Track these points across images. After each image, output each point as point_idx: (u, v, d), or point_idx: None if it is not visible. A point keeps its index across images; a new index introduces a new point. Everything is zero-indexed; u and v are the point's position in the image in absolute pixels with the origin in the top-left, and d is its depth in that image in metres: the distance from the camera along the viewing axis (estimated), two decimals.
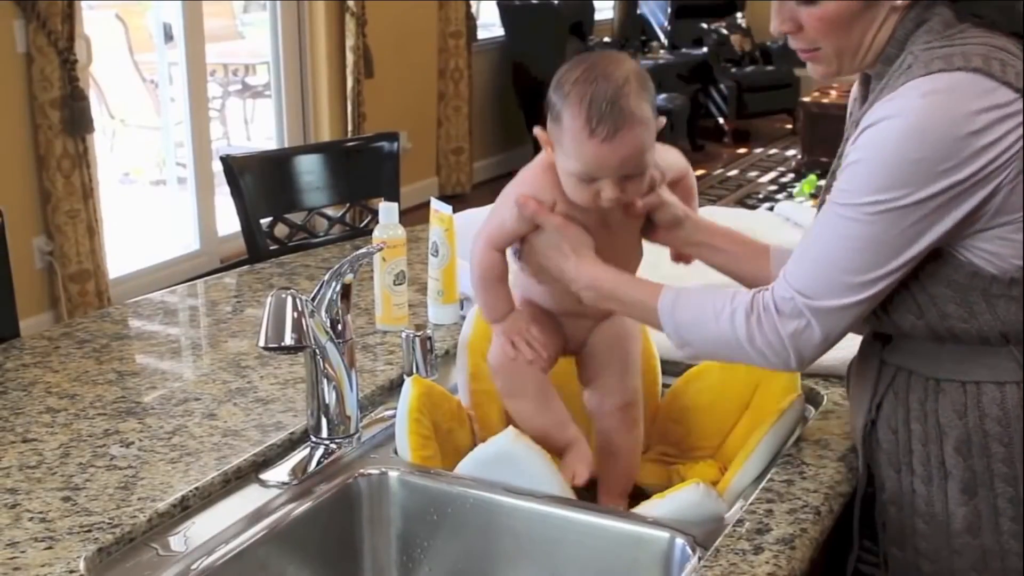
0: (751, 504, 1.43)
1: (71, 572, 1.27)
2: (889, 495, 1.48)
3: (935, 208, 1.30)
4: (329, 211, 2.88)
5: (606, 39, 8.28)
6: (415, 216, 3.56)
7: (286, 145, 5.99)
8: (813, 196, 6.74)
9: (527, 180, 1.54)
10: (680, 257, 1.64)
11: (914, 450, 1.44)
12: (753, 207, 6.62)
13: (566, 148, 1.46)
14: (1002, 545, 1.41)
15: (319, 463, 1.56)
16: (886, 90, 1.36)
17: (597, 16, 8.34)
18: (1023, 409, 1.39)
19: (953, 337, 1.40)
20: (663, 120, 1.49)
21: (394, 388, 1.77)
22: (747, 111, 8.94)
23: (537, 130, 1.53)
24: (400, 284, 1.98)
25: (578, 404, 1.76)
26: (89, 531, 1.35)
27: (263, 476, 1.53)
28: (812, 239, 1.39)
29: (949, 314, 1.38)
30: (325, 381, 1.57)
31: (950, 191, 1.29)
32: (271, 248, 2.71)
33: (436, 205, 2.00)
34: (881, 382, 1.48)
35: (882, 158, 1.31)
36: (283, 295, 1.47)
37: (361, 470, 1.56)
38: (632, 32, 9.14)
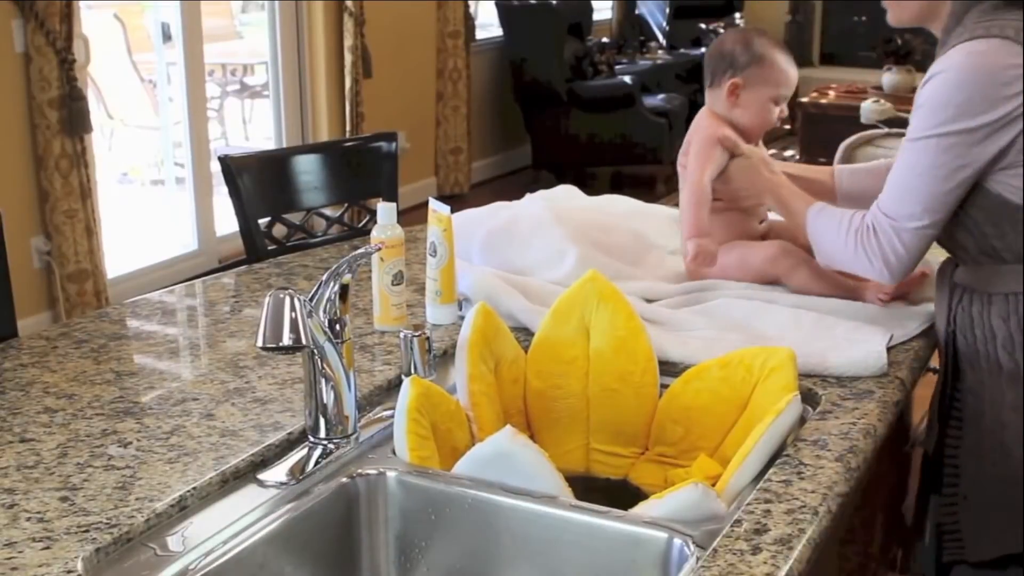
0: (749, 504, 1.43)
1: (69, 572, 1.27)
2: (967, 386, 1.87)
3: (979, 139, 1.71)
4: (327, 211, 2.88)
5: (604, 39, 8.28)
6: (413, 216, 3.56)
7: (284, 145, 5.99)
8: None
9: (710, 126, 2.13)
10: None
11: (979, 351, 1.84)
12: None
13: (770, 79, 2.12)
14: None
15: (317, 463, 1.56)
16: (943, 49, 1.77)
17: (596, 16, 8.33)
18: None
19: (996, 254, 1.80)
20: None
21: (392, 388, 1.77)
22: None
23: (729, 82, 2.13)
24: (398, 284, 1.98)
25: (576, 407, 1.77)
26: (87, 531, 1.35)
27: (261, 476, 1.53)
28: (895, 171, 1.80)
29: (987, 233, 1.79)
30: (323, 381, 1.57)
31: (988, 127, 1.70)
32: (269, 248, 2.71)
33: (434, 205, 2.00)
34: (953, 299, 1.88)
35: (938, 102, 1.72)
36: (281, 295, 1.47)
37: (359, 470, 1.56)
38: (631, 32, 9.14)
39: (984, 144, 1.71)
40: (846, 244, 1.85)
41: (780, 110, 2.15)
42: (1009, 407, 1.82)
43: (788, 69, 2.13)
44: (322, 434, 1.59)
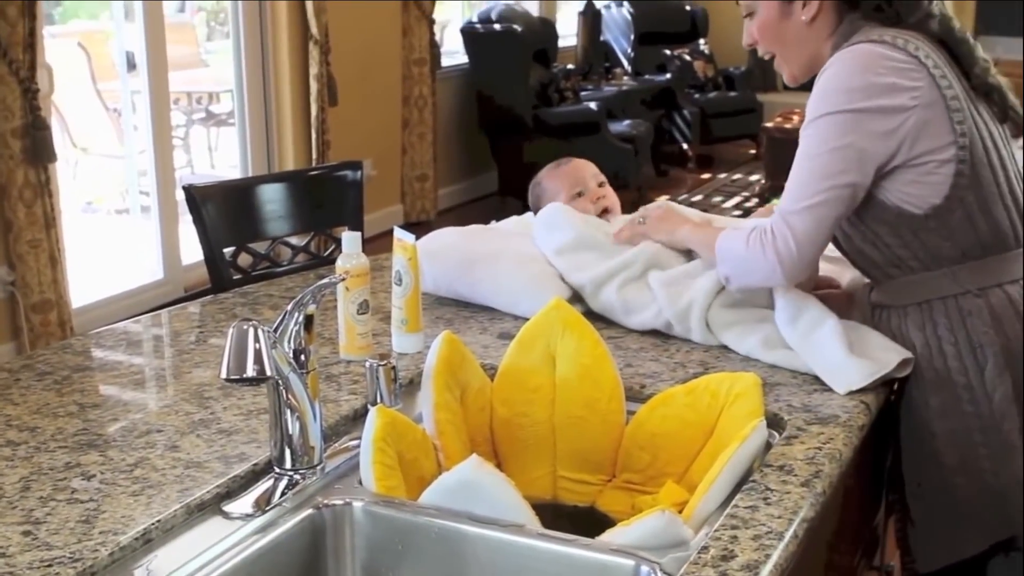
0: (716, 531, 1.44)
1: None
2: (903, 401, 1.94)
3: (863, 118, 1.78)
4: (293, 240, 2.87)
5: (570, 66, 8.31)
6: (381, 244, 3.54)
7: (250, 173, 5.97)
8: None
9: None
10: None
11: None
12: None
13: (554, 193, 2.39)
14: (967, 427, 1.87)
15: (283, 494, 1.55)
16: None
17: (561, 43, 8.36)
18: (959, 314, 1.85)
19: (903, 263, 1.88)
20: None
21: (358, 418, 1.77)
22: (711, 136, 9.00)
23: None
24: (363, 313, 1.98)
25: (542, 435, 1.77)
26: (50, 566, 1.34)
27: (226, 508, 1.52)
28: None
29: (891, 244, 1.87)
30: (288, 412, 1.56)
31: (866, 112, 1.78)
32: (235, 277, 2.70)
33: (399, 234, 2.00)
34: (874, 320, 1.96)
35: (823, 90, 1.83)
36: (244, 327, 1.47)
37: (325, 501, 1.56)
38: (595, 59, 9.18)
39: (869, 121, 1.78)
40: (746, 247, 1.87)
41: (592, 193, 2.38)
42: (936, 415, 1.89)
43: (557, 171, 2.43)
44: (288, 465, 1.58)
